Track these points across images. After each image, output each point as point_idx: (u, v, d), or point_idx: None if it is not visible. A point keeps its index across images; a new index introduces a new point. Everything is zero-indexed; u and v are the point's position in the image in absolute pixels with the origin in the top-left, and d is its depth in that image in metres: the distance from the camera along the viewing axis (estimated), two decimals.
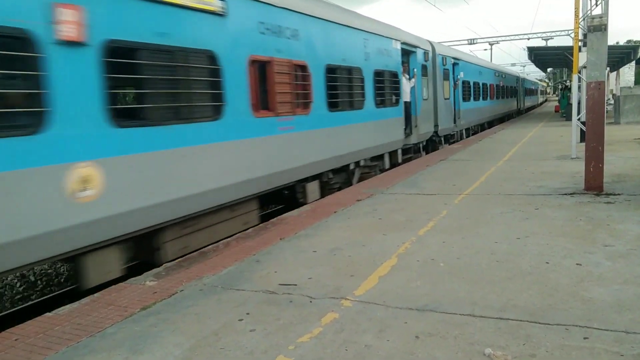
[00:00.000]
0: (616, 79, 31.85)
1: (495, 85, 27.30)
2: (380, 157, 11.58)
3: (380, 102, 11.31)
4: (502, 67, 36.34)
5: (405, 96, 12.96)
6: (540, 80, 74.20)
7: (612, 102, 21.75)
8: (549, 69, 56.71)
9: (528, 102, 49.09)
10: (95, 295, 4.40)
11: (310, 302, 3.92)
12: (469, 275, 4.28)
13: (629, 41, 56.51)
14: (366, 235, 5.79)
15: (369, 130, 10.70)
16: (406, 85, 12.99)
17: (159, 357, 3.19)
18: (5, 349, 3.43)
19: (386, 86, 11.60)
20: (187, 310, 3.93)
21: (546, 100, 78.28)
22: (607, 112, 17.72)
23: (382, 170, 11.64)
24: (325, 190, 9.24)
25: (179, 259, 5.36)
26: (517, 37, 46.02)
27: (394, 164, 12.36)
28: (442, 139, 16.86)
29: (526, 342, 3.04)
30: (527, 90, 47.74)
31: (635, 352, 2.84)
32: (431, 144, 15.88)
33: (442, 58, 16.47)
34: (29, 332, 3.69)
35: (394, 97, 12.20)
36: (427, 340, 3.17)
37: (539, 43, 44.42)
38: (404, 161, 13.10)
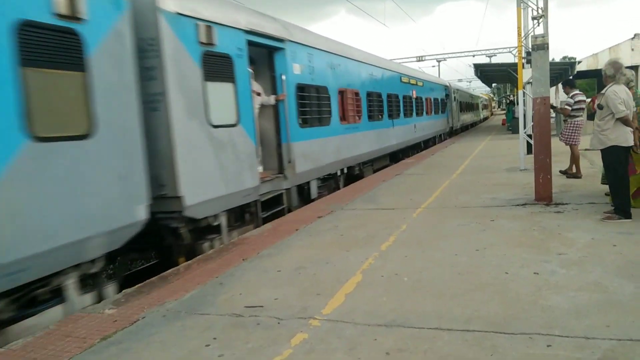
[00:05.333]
0: (555, 94, 33.48)
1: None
2: None
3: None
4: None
5: None
6: (485, 94, 76.62)
7: (553, 115, 22.82)
8: (493, 84, 59.14)
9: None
10: (50, 327, 4.18)
11: (278, 323, 3.88)
12: (433, 289, 4.35)
13: (564, 57, 59.83)
14: (329, 252, 5.80)
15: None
16: None
17: None
18: None
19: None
20: (150, 338, 3.79)
21: (492, 114, 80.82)
22: None
23: None
24: None
25: (138, 285, 5.18)
26: (463, 54, 47.97)
27: None
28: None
29: (493, 353, 3.12)
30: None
31: (595, 357, 2.97)
32: None
33: None
34: None
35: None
36: (397, 356, 3.19)
37: (483, 60, 46.39)
38: None
